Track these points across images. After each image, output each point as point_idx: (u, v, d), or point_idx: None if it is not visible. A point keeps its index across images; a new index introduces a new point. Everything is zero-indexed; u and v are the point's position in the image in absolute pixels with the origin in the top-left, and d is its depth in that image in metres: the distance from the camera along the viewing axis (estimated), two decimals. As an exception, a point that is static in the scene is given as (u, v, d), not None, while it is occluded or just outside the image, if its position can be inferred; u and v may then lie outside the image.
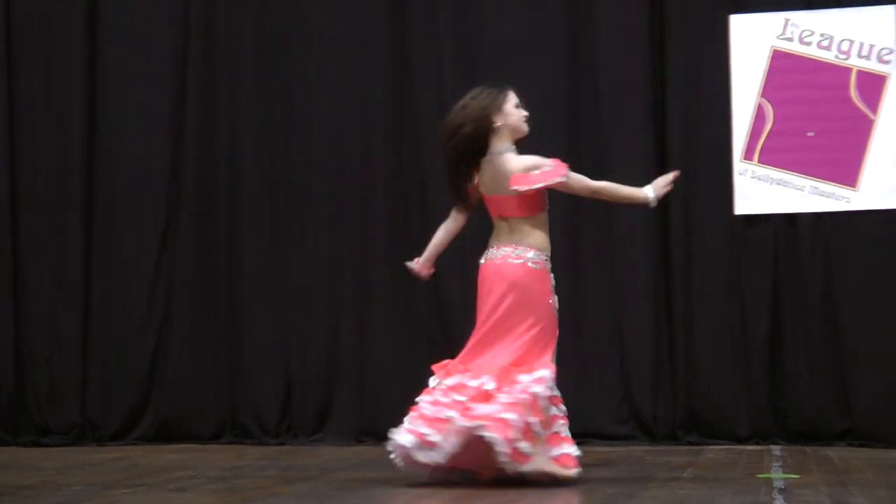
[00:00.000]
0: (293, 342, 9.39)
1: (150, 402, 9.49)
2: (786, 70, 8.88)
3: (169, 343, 9.51)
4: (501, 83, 6.89)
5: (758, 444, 8.65)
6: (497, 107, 6.73)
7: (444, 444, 6.43)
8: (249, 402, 9.40)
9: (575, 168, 8.36)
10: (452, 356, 9.08)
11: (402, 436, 6.57)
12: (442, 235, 7.16)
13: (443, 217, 9.22)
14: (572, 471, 6.50)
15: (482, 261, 6.88)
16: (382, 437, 9.04)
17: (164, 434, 9.42)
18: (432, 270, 7.29)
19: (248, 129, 9.54)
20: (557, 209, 8.97)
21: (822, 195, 8.74)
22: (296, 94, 9.51)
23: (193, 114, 9.59)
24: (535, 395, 6.47)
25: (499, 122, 6.73)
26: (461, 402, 6.49)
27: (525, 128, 6.84)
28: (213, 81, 9.63)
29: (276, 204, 9.50)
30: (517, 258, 6.72)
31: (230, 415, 9.44)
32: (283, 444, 9.23)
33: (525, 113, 6.84)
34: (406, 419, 6.66)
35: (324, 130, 9.46)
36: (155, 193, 9.60)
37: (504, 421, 6.35)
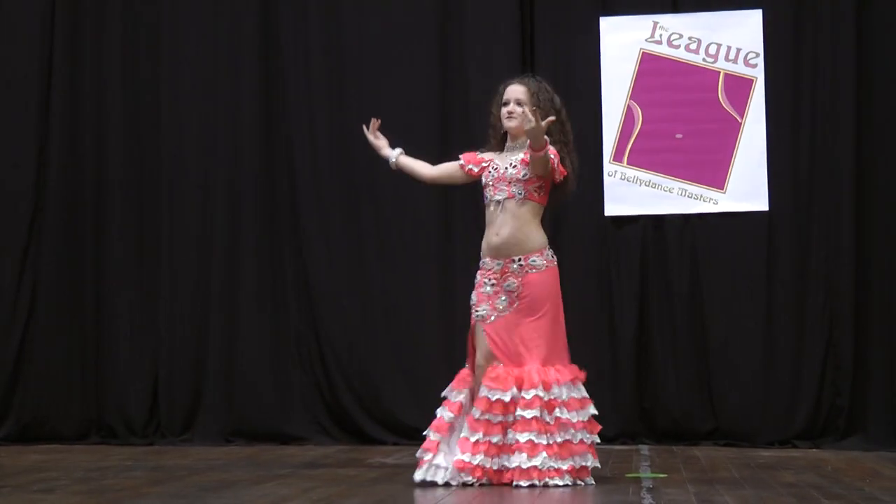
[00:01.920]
0: (160, 341, 9.28)
1: (14, 402, 9.31)
2: (654, 72, 8.97)
3: (33, 342, 9.34)
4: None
5: (626, 443, 8.72)
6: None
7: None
8: (116, 401, 9.27)
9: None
10: (321, 355, 9.12)
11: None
12: (422, 166, 7.05)
13: (314, 217, 9.22)
14: None
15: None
16: (251, 437, 9.04)
17: (29, 434, 9.24)
18: (380, 140, 7.13)
19: (114, 129, 9.41)
20: (432, 210, 9.02)
21: (690, 197, 8.83)
22: (164, 94, 9.39)
23: (59, 112, 9.43)
24: None
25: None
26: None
27: (505, 124, 6.71)
28: (79, 77, 9.48)
29: (143, 202, 9.38)
30: None
31: (96, 415, 9.30)
32: (150, 444, 9.11)
33: (505, 108, 6.69)
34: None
35: (192, 129, 9.36)
36: (19, 193, 9.41)
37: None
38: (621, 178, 8.90)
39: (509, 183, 6.58)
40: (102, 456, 8.35)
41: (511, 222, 6.56)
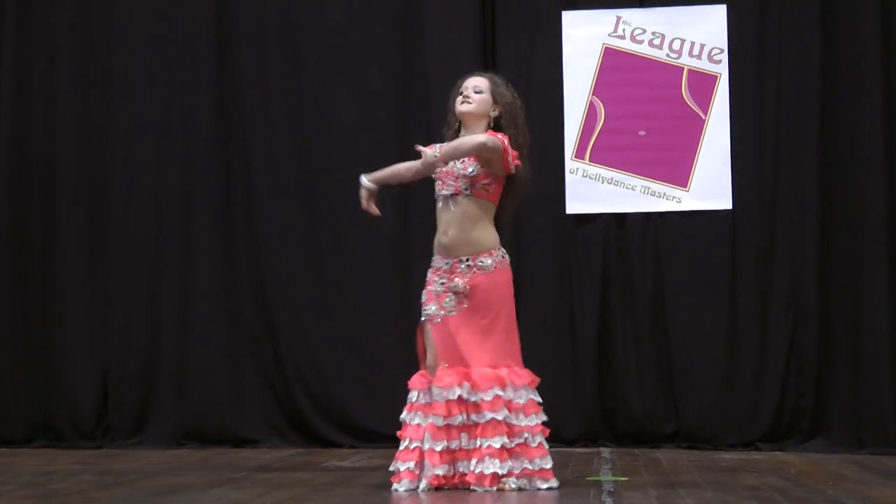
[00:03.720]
0: (110, 341, 9.26)
1: (-42, 405, 9.30)
2: (617, 68, 9.01)
3: (-23, 342, 9.32)
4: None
5: (586, 446, 8.77)
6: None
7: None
8: (63, 403, 9.25)
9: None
10: (276, 356, 9.12)
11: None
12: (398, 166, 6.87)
13: (270, 216, 9.22)
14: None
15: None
16: (204, 440, 9.03)
17: (-27, 438, 9.24)
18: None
19: (65, 123, 9.39)
20: (390, 209, 9.01)
21: (653, 195, 8.89)
22: (116, 86, 9.38)
23: (6, 107, 9.41)
24: None
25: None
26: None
27: (458, 109, 6.64)
28: (28, 74, 9.45)
29: (93, 199, 9.36)
30: None
31: (43, 417, 9.27)
32: (99, 447, 9.10)
33: (460, 95, 6.65)
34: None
35: (145, 125, 9.35)
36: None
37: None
38: (583, 176, 8.95)
39: (456, 178, 6.53)
40: (49, 459, 8.33)
41: (459, 220, 6.52)
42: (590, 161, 8.94)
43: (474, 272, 6.51)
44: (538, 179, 8.80)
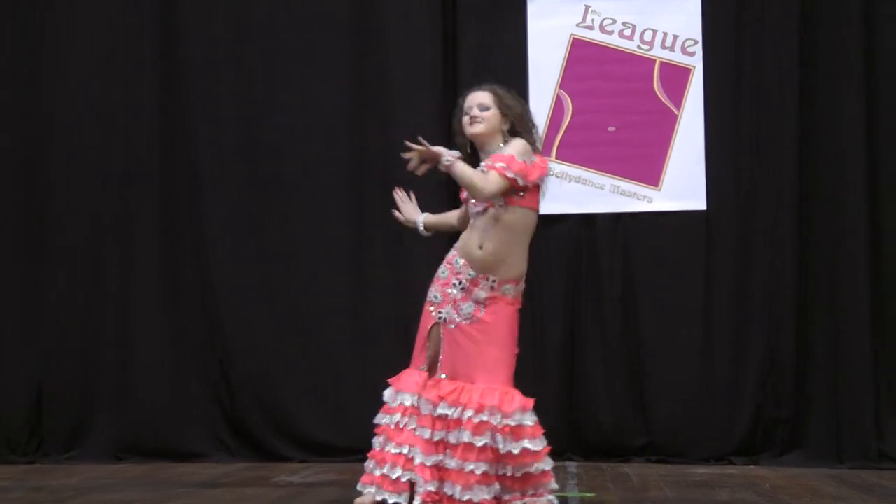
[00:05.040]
0: (44, 349, 9.20)
1: None
2: (586, 60, 9.02)
3: None
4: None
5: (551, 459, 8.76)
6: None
7: None
8: (-6, 416, 9.22)
9: (362, 159, 8.39)
10: (222, 364, 9.09)
11: None
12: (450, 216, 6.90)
13: (216, 216, 9.19)
14: None
15: None
16: (143, 454, 8.98)
17: None
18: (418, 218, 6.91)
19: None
20: (343, 211, 9.00)
21: (623, 194, 8.90)
22: (57, 86, 9.29)
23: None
24: None
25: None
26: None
27: (468, 131, 6.55)
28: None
29: (27, 196, 9.30)
30: None
31: (-28, 431, 9.24)
32: (32, 462, 9.05)
33: (467, 115, 6.56)
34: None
35: (86, 124, 9.28)
36: None
37: None
38: (549, 174, 8.93)
39: None
40: (-20, 475, 8.31)
41: (497, 234, 6.42)
42: (556, 158, 8.95)
43: (496, 294, 6.42)
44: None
